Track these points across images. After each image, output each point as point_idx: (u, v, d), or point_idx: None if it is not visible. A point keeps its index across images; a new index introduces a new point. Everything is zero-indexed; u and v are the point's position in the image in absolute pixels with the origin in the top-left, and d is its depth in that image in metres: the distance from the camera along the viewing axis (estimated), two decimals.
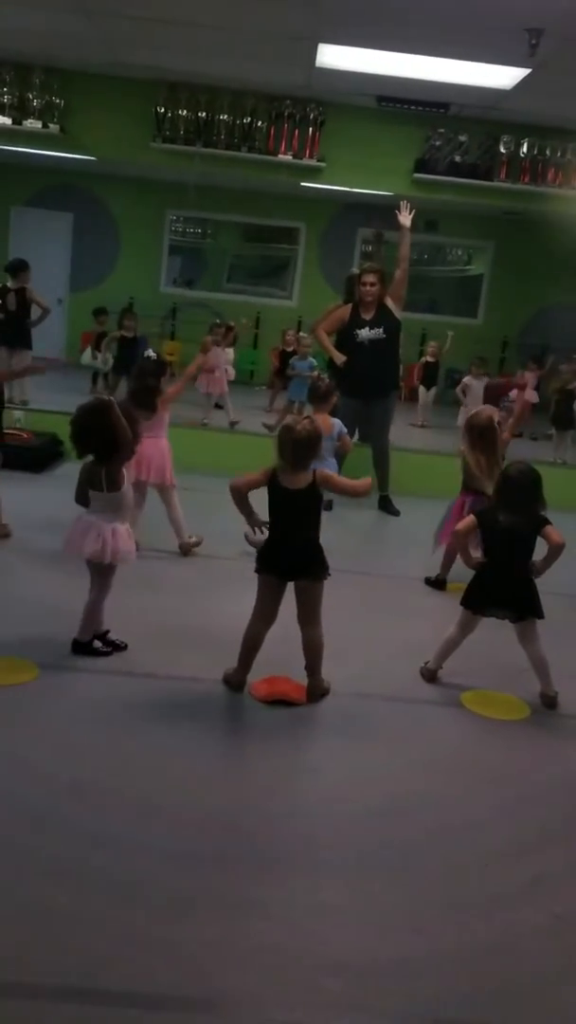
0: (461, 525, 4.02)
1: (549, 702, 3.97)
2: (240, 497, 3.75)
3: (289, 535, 3.73)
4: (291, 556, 3.72)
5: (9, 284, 8.44)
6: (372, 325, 6.88)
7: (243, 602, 3.83)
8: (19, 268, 8.64)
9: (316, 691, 3.84)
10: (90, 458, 3.92)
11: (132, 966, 2.26)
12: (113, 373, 9.36)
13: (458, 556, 5.27)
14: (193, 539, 5.53)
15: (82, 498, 4.00)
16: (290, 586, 3.77)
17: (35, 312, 8.77)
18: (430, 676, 4.09)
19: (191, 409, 8.39)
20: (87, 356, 9.72)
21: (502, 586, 3.94)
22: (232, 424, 8.76)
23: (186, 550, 5.49)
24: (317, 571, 3.74)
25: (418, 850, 2.88)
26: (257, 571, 3.77)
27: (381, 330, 6.87)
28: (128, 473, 5.24)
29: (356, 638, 4.45)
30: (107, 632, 4.06)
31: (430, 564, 5.54)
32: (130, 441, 3.87)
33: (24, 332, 8.55)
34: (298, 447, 3.62)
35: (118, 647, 4.06)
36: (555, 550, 3.82)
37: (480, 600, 3.98)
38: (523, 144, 8.45)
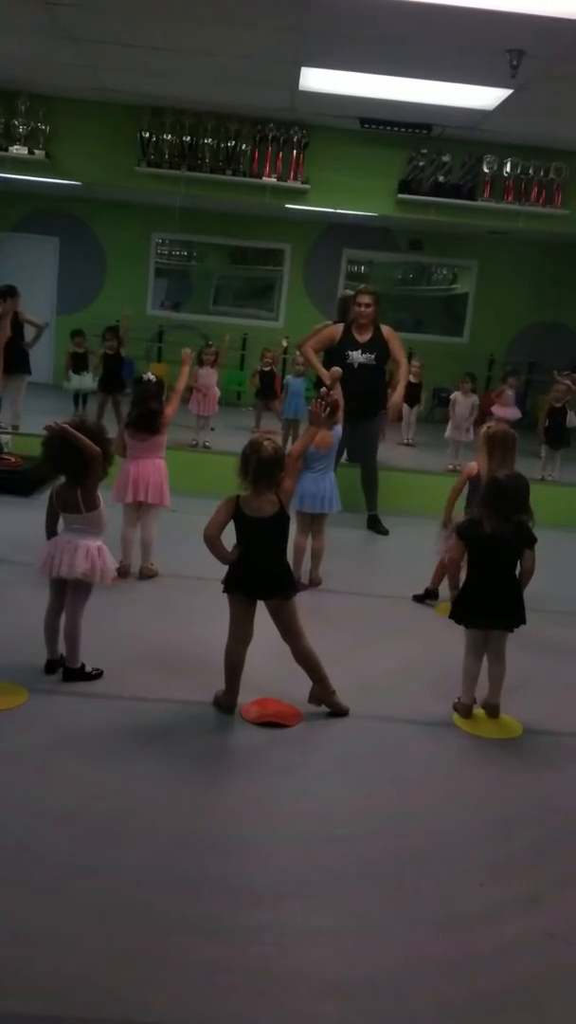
0: (454, 551, 3.96)
1: (493, 711, 3.95)
2: (215, 544, 3.67)
3: (258, 561, 3.70)
4: (259, 577, 3.71)
5: None
6: (365, 349, 6.85)
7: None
8: (7, 294, 8.61)
9: (322, 699, 3.83)
10: (61, 480, 3.92)
11: (125, 993, 2.23)
12: (98, 391, 9.34)
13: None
14: (154, 567, 5.50)
15: (51, 524, 3.97)
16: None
17: (29, 333, 8.75)
18: (465, 711, 3.96)
19: (182, 431, 8.39)
20: (73, 380, 9.70)
21: (489, 593, 3.90)
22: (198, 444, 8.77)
23: (146, 573, 5.46)
24: (284, 589, 3.73)
25: (410, 869, 2.86)
26: (225, 591, 3.75)
27: (373, 356, 6.86)
28: (126, 493, 5.29)
29: (346, 658, 4.42)
30: (62, 656, 4.00)
31: (419, 582, 5.53)
32: (99, 458, 3.85)
33: (21, 357, 8.50)
34: (263, 466, 3.60)
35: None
36: (525, 576, 3.85)
37: (474, 612, 3.92)
38: (506, 164, 8.53)
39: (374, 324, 6.90)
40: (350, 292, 7.34)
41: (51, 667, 3.98)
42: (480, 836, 3.11)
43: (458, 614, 3.96)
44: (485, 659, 3.96)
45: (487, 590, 3.90)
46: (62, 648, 3.97)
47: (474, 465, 5.01)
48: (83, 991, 2.22)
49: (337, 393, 5.52)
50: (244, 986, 2.29)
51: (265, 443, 3.65)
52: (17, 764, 3.25)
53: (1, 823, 2.87)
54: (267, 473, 3.62)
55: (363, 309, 6.82)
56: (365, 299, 6.85)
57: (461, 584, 3.98)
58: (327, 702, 3.85)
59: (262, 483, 3.64)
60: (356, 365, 6.83)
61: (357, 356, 6.85)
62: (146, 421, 5.32)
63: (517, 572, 3.93)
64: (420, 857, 2.93)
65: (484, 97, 7.13)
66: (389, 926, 2.58)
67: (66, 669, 3.96)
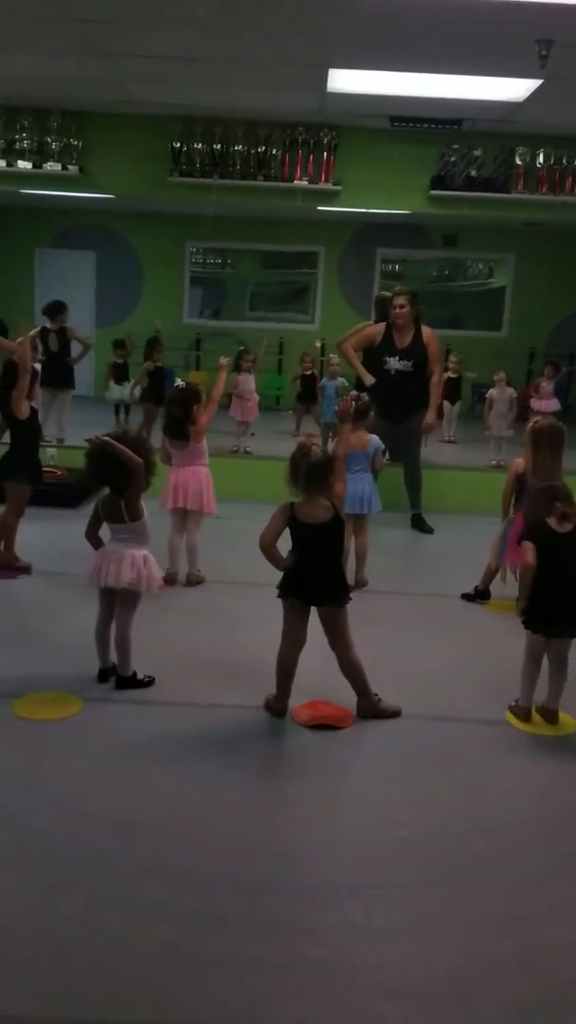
0: (529, 557, 3.83)
1: (552, 717, 3.88)
2: (271, 552, 3.67)
3: (313, 567, 3.71)
4: (314, 583, 3.71)
5: (48, 325, 8.54)
6: (403, 356, 6.83)
7: (278, 628, 3.82)
8: (58, 310, 8.75)
9: (369, 711, 3.81)
10: (106, 491, 3.97)
11: (188, 995, 2.24)
12: (142, 403, 9.42)
13: (499, 571, 5.29)
14: (201, 573, 5.53)
15: (93, 534, 4.02)
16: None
17: (75, 349, 8.89)
18: (525, 715, 3.89)
19: (223, 438, 8.42)
20: (114, 391, 9.80)
21: (560, 598, 3.77)
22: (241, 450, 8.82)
23: (193, 580, 5.49)
24: (339, 596, 3.72)
25: (470, 869, 2.84)
26: (280, 596, 3.76)
27: (411, 364, 6.82)
28: (168, 500, 5.35)
29: (396, 658, 4.41)
30: (114, 665, 4.05)
31: (467, 580, 5.50)
32: (141, 468, 3.89)
33: (66, 371, 8.65)
34: (313, 470, 3.60)
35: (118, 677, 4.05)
36: None
37: (547, 619, 3.80)
38: (539, 155, 8.46)
39: (415, 325, 6.87)
40: (387, 294, 7.31)
41: (104, 675, 4.03)
42: (540, 834, 3.08)
43: (532, 621, 3.82)
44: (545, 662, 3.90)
45: (566, 594, 3.77)
46: (114, 656, 4.02)
47: (520, 462, 4.96)
48: (147, 994, 2.24)
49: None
50: (306, 988, 2.29)
51: (314, 448, 3.65)
52: (75, 772, 3.29)
53: (61, 831, 2.91)
54: (318, 477, 3.62)
55: (399, 310, 6.79)
56: (400, 300, 6.82)
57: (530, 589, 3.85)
58: (376, 712, 3.83)
59: (314, 488, 3.64)
60: (393, 372, 6.82)
61: (395, 363, 6.83)
62: (174, 428, 5.37)
63: None
64: (479, 857, 2.91)
65: (514, 89, 7.08)
66: (450, 926, 2.57)
67: (118, 677, 4.00)
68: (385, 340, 6.90)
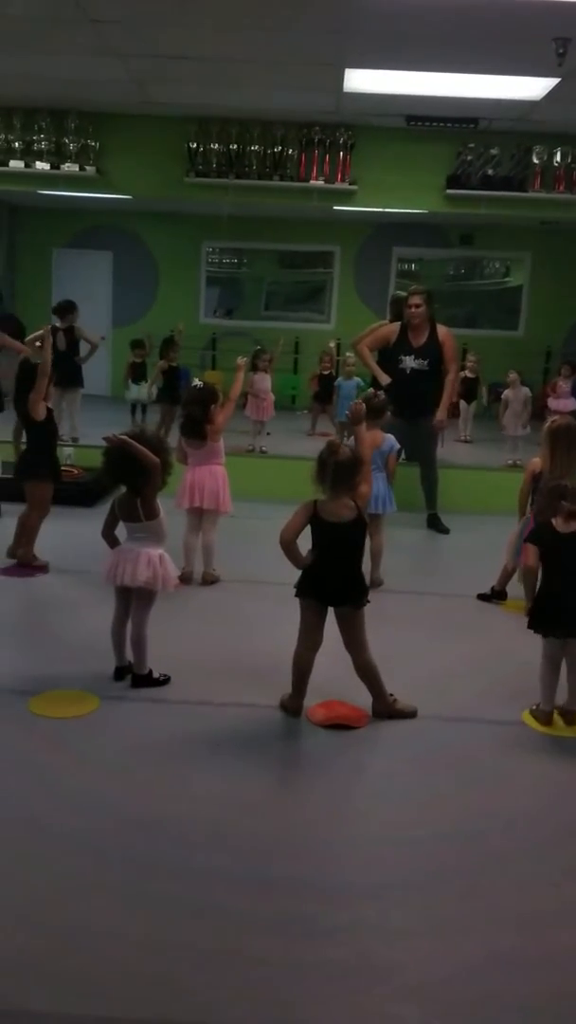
0: (531, 559, 3.84)
1: (572, 719, 3.85)
2: (291, 549, 3.67)
3: (333, 567, 3.70)
4: (333, 583, 3.71)
5: (58, 324, 8.61)
6: (419, 355, 6.82)
7: (294, 628, 3.82)
8: (67, 309, 8.86)
9: (385, 712, 3.81)
10: (123, 490, 3.98)
11: (203, 994, 2.25)
12: (158, 403, 9.45)
13: (515, 572, 5.27)
14: (216, 572, 5.54)
15: (109, 533, 4.04)
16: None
17: (84, 349, 8.95)
18: (545, 719, 3.86)
19: (239, 437, 8.43)
20: (132, 390, 9.83)
21: (567, 599, 3.76)
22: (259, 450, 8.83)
23: (208, 579, 5.49)
24: (357, 598, 3.71)
25: (487, 869, 2.83)
26: (297, 595, 3.76)
27: (426, 362, 6.81)
28: (184, 500, 5.36)
29: (412, 658, 4.41)
30: (130, 663, 4.06)
31: (483, 581, 5.49)
32: (158, 467, 3.90)
33: (75, 370, 8.74)
34: (339, 469, 3.60)
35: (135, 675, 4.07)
36: None
37: (554, 621, 3.78)
38: (556, 153, 8.42)
39: (430, 324, 6.86)
40: (402, 294, 7.29)
41: (120, 674, 4.04)
42: (556, 835, 3.07)
43: (537, 623, 3.83)
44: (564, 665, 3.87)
45: (565, 595, 3.77)
46: (130, 655, 4.03)
47: (537, 461, 4.94)
48: (162, 992, 2.25)
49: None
50: (322, 988, 2.30)
51: (343, 447, 3.64)
52: (91, 770, 3.31)
53: (76, 828, 2.92)
54: (345, 477, 3.61)
55: (414, 310, 6.79)
56: (416, 300, 6.81)
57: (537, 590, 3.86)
58: (392, 713, 3.82)
59: (341, 487, 3.63)
60: (409, 371, 6.81)
61: (410, 362, 6.83)
62: (191, 427, 5.39)
63: None
64: (496, 857, 2.90)
65: (531, 88, 7.06)
66: (467, 926, 2.56)
67: (134, 676, 4.01)
68: (400, 339, 6.90)
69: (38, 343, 5.48)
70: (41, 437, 5.56)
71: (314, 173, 8.55)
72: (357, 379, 9.06)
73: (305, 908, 2.60)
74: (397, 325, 6.99)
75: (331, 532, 3.66)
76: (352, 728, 3.73)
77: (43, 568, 5.55)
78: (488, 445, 9.60)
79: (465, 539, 6.85)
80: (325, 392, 10.04)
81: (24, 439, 5.56)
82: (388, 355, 6.97)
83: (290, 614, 3.81)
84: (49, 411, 5.60)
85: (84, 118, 8.47)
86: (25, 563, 5.53)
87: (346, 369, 9.28)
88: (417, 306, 6.78)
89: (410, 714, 3.84)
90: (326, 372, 10.12)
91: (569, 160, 8.44)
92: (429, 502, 7.16)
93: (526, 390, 8.94)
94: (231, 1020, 2.19)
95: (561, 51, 5.85)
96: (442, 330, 6.92)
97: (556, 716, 3.87)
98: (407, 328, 6.87)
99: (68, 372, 8.47)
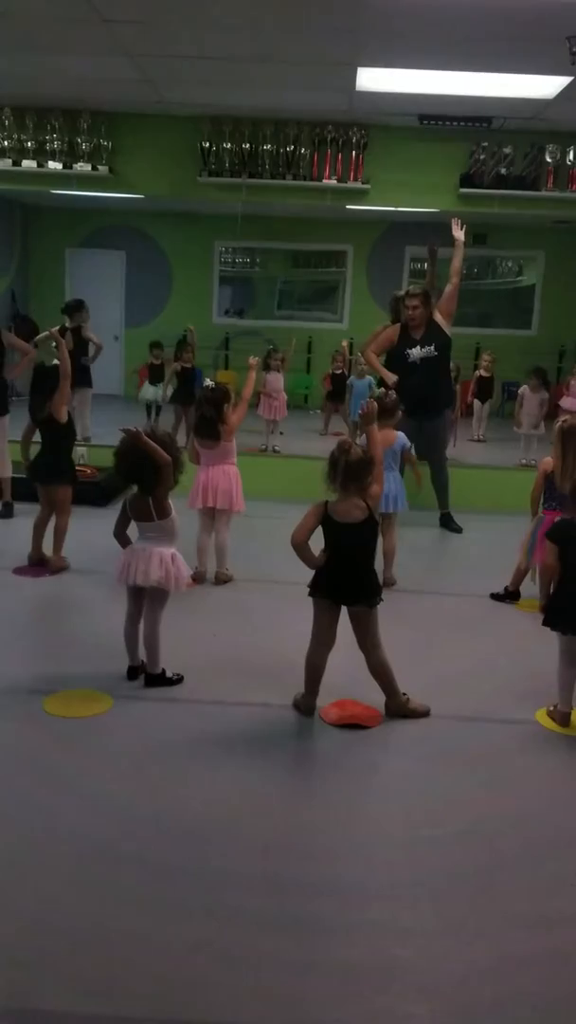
0: (550, 557, 3.82)
1: None
2: (303, 549, 3.66)
3: (346, 567, 3.70)
4: (346, 583, 3.70)
5: (66, 324, 8.63)
6: (423, 343, 6.82)
7: (307, 627, 3.82)
8: (75, 308, 8.90)
9: (398, 712, 3.80)
10: (134, 489, 3.99)
11: (216, 993, 2.25)
12: (172, 404, 9.47)
13: (529, 571, 5.26)
14: (229, 572, 5.54)
15: (121, 533, 4.05)
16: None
17: (91, 350, 8.99)
18: (563, 720, 3.84)
19: (251, 436, 8.44)
20: (148, 391, 9.85)
21: None
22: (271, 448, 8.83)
23: (221, 579, 5.49)
24: (370, 597, 3.71)
25: (500, 870, 2.82)
26: (310, 595, 3.76)
27: (432, 347, 6.81)
28: (197, 500, 5.37)
29: (425, 658, 4.40)
30: (143, 663, 4.06)
31: (496, 580, 5.47)
32: (169, 466, 3.90)
33: (83, 371, 8.76)
34: (350, 468, 3.60)
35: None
36: None
37: (567, 618, 3.76)
38: (569, 152, 8.38)
39: (427, 320, 6.84)
40: (400, 293, 7.28)
41: (133, 673, 4.05)
42: (571, 835, 3.05)
43: (552, 620, 3.81)
44: None
45: None
46: (143, 654, 4.04)
47: (549, 461, 4.92)
48: (174, 992, 2.25)
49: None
50: (334, 987, 2.29)
51: (354, 446, 3.64)
52: (104, 770, 3.31)
53: (90, 828, 2.93)
54: (357, 476, 3.61)
55: (411, 312, 6.77)
56: (413, 302, 6.79)
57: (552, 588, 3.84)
58: (405, 712, 3.81)
59: (351, 486, 3.63)
60: (418, 361, 6.80)
61: (417, 352, 6.81)
62: (204, 427, 5.39)
63: None
64: (510, 857, 2.90)
65: (544, 86, 7.03)
66: (480, 926, 2.55)
67: (147, 675, 4.02)
68: (403, 338, 6.90)
69: (53, 344, 5.50)
70: (64, 439, 5.59)
71: (327, 172, 8.54)
72: (370, 378, 9.05)
73: (318, 907, 2.60)
74: (399, 326, 6.99)
75: (343, 532, 3.66)
76: (365, 728, 3.73)
77: (64, 568, 5.55)
78: (502, 445, 9.58)
79: (478, 538, 6.84)
80: (338, 391, 10.05)
81: (39, 441, 5.57)
82: (394, 355, 6.96)
83: (303, 613, 3.81)
84: (68, 414, 5.62)
85: (97, 118, 8.49)
86: (58, 568, 5.51)
87: (359, 368, 9.28)
88: (415, 307, 6.77)
89: (423, 713, 3.83)
90: (339, 371, 10.12)
91: None
92: (441, 501, 7.15)
93: (544, 393, 8.91)
94: (243, 1019, 2.19)
95: (574, 49, 5.82)
96: (436, 315, 6.90)
97: (574, 717, 3.86)
98: (407, 326, 6.87)
99: (76, 373, 8.50)
